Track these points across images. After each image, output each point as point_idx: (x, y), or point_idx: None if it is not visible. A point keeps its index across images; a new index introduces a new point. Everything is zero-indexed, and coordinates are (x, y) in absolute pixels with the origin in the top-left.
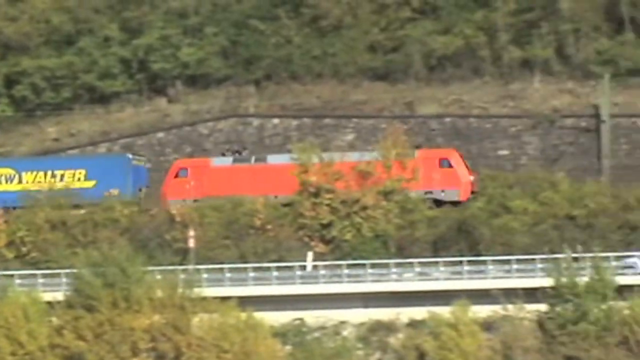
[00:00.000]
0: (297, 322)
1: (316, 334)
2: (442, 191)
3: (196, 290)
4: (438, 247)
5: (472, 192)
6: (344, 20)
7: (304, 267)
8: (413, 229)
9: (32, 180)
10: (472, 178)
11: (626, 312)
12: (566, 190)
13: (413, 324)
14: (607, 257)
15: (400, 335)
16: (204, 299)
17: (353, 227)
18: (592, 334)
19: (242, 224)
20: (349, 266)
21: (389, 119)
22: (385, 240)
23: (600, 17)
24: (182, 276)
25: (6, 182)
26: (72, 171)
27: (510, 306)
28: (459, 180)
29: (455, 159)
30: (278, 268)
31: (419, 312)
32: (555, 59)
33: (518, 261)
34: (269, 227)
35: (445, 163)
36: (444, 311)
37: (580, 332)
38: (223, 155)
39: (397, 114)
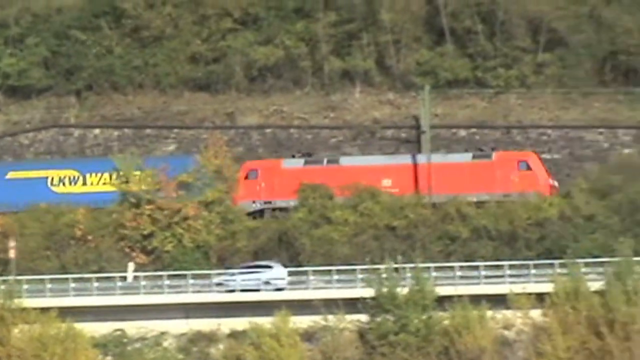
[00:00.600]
0: (118, 332)
1: (137, 345)
2: (521, 194)
3: (16, 301)
4: (259, 258)
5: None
6: (165, 31)
7: (124, 278)
8: (234, 240)
9: (97, 182)
10: (551, 181)
11: (446, 322)
12: (386, 201)
13: (234, 335)
14: (427, 268)
15: (221, 346)
16: (24, 309)
17: (174, 238)
18: (413, 344)
19: (63, 234)
20: (170, 277)
21: (210, 129)
22: (206, 251)
23: (420, 28)
24: (2, 287)
25: (70, 184)
26: (138, 172)
27: (330, 317)
28: (538, 183)
29: (534, 161)
30: (98, 279)
31: (240, 323)
32: (376, 70)
33: (339, 272)
34: (89, 237)
35: (523, 165)
36: (265, 322)
37: (401, 342)
38: (293, 157)
39: (219, 125)
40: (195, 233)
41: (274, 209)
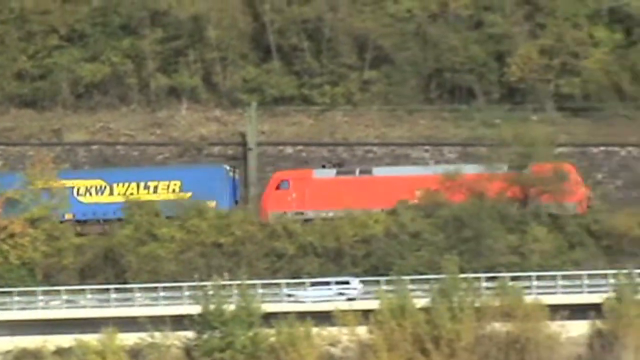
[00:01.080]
0: None
1: None
2: (560, 205)
3: None
4: (85, 275)
5: (588, 207)
6: None
7: None
8: (60, 257)
9: (124, 192)
10: (588, 192)
11: (272, 339)
12: (213, 218)
13: (60, 352)
14: (254, 285)
15: None
16: None
17: (0, 255)
18: None
19: None
20: None
21: (36, 146)
22: (32, 268)
23: (247, 45)
24: None
25: (96, 193)
26: (167, 182)
27: (157, 334)
28: (576, 194)
29: (571, 172)
30: None
31: (66, 340)
32: (203, 86)
33: (165, 289)
34: None
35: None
36: (92, 339)
37: (227, 359)
38: (323, 167)
39: (45, 142)
40: (22, 250)
41: (305, 220)
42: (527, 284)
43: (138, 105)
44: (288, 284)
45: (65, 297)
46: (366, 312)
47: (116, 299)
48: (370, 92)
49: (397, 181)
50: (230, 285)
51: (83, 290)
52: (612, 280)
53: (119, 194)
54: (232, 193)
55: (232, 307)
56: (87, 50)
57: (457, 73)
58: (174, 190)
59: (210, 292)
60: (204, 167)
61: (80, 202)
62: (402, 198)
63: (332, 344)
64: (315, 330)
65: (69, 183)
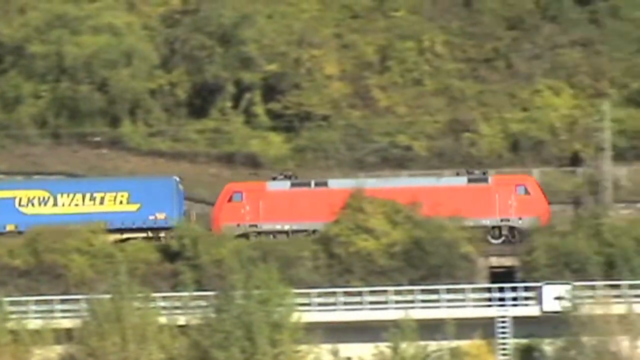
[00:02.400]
0: None
1: None
2: (520, 219)
3: None
4: None
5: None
6: None
7: None
8: None
9: (69, 204)
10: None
11: None
12: None
13: None
14: None
15: None
16: None
17: None
18: None
19: None
20: None
21: None
22: None
23: None
24: None
25: (39, 204)
26: (114, 194)
27: None
28: (537, 208)
29: (532, 185)
30: None
31: None
32: None
33: None
34: None
35: (522, 189)
36: None
37: None
38: (274, 179)
39: None
40: None
41: (259, 233)
42: None
43: None
44: None
45: None
46: None
47: None
48: None
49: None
50: None
51: None
52: None
53: (63, 205)
54: (180, 204)
55: None
56: None
57: None
58: (121, 202)
59: None
60: (153, 178)
61: (23, 213)
62: None
63: None
64: None
65: (9, 193)
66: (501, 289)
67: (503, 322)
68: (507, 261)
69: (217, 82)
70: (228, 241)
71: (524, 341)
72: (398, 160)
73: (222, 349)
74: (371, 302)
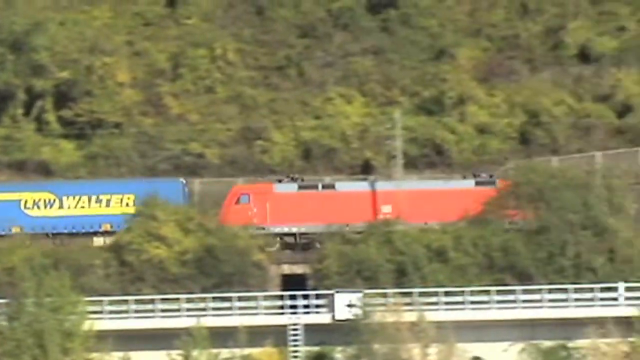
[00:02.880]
0: None
1: None
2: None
3: None
4: None
5: None
6: None
7: None
8: None
9: (75, 206)
10: None
11: None
12: None
13: None
14: None
15: None
16: None
17: None
18: None
19: None
20: None
21: None
22: None
23: None
24: None
25: (45, 207)
26: (120, 196)
27: None
28: None
29: None
30: None
31: None
32: None
33: None
34: None
35: None
36: None
37: None
38: (280, 181)
39: None
40: None
41: (267, 235)
42: None
43: None
44: None
45: None
46: None
47: None
48: None
49: (362, 196)
50: None
51: None
52: None
53: (69, 208)
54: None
55: None
56: None
57: None
58: (127, 204)
59: None
60: (160, 180)
61: (28, 215)
62: (365, 213)
63: None
64: None
65: (15, 195)
66: (293, 297)
67: (295, 329)
68: (300, 269)
69: (8, 89)
70: (19, 249)
71: (315, 349)
72: (190, 168)
73: (13, 357)
74: (163, 310)
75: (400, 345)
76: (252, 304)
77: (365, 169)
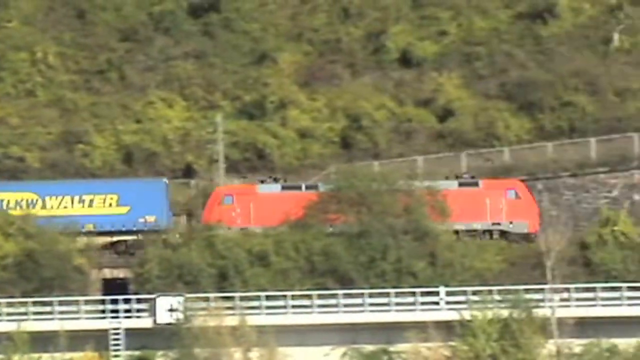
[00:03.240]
0: None
1: None
2: (510, 223)
3: None
4: None
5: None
6: None
7: None
8: None
9: (57, 206)
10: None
11: None
12: None
13: None
14: None
15: None
16: None
17: None
18: None
19: None
20: None
21: None
22: None
23: None
24: None
25: (27, 207)
26: (103, 196)
27: None
28: (528, 212)
29: (522, 189)
30: None
31: None
32: None
33: None
34: None
35: (512, 194)
36: None
37: None
38: (262, 182)
39: None
40: None
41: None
42: None
43: None
44: None
45: None
46: None
47: None
48: None
49: None
50: None
51: None
52: None
53: (52, 208)
54: (169, 207)
55: None
56: None
57: None
58: (110, 205)
59: None
60: (142, 180)
61: None
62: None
63: None
64: None
65: None
66: (114, 301)
67: (116, 334)
68: (121, 273)
69: None
70: None
71: (137, 353)
72: (11, 172)
73: None
74: None
75: (221, 350)
76: (73, 308)
77: (187, 173)
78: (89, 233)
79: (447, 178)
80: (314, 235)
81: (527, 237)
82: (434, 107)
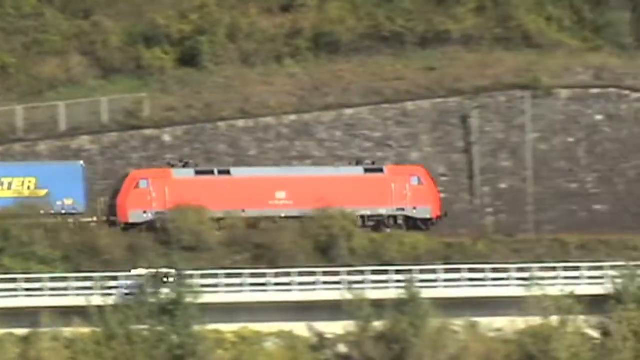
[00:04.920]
0: None
1: None
2: (414, 209)
3: None
4: None
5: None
6: None
7: None
8: None
9: None
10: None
11: None
12: None
13: None
14: None
15: None
16: None
17: None
18: None
19: None
20: None
21: None
22: None
23: None
24: None
25: None
26: (22, 179)
27: None
28: (430, 198)
29: (424, 175)
30: None
31: None
32: None
33: None
34: None
35: (415, 180)
36: None
37: None
38: (171, 165)
39: None
40: None
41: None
42: None
43: None
44: None
45: None
46: None
47: None
48: None
49: (256, 182)
50: None
51: None
52: None
53: None
54: (86, 190)
55: None
56: None
57: None
58: (29, 188)
59: None
60: (59, 163)
61: None
62: (260, 199)
63: None
64: None
65: None
66: None
67: None
68: None
69: None
70: None
71: None
72: None
73: None
74: None
75: None
76: None
77: None
78: None
79: (352, 164)
80: None
81: (429, 222)
82: None
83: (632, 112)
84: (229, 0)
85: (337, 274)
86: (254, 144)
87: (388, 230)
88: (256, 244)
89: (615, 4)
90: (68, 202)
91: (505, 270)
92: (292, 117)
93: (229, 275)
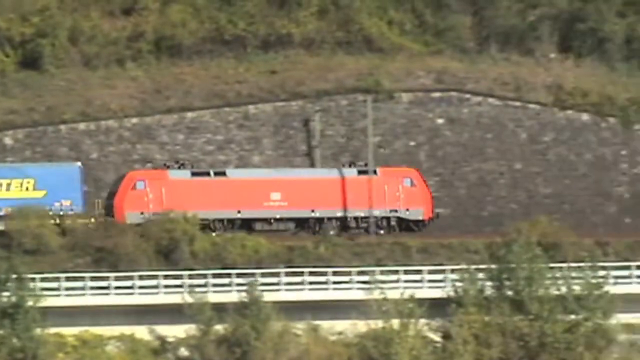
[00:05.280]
0: None
1: None
2: (407, 210)
3: None
4: None
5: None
6: None
7: None
8: None
9: None
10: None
11: None
12: None
13: None
14: None
15: None
16: None
17: None
18: None
19: None
20: None
21: None
22: None
23: None
24: None
25: None
26: (20, 180)
27: None
28: (422, 199)
29: (417, 177)
30: None
31: None
32: None
33: None
34: None
35: (408, 182)
36: None
37: None
38: (168, 167)
39: None
40: None
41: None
42: None
43: None
44: None
45: None
46: None
47: None
48: None
49: (252, 183)
50: None
51: None
52: None
53: None
54: (84, 191)
55: None
56: None
57: None
58: (27, 189)
59: None
60: (58, 164)
61: None
62: (255, 200)
63: None
64: None
65: None
66: None
67: None
68: None
69: None
70: None
71: None
72: None
73: None
74: None
75: None
76: None
77: None
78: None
79: (347, 166)
80: None
81: (421, 224)
82: None
83: (473, 116)
84: (70, 4)
85: (179, 277)
86: (95, 147)
87: (381, 232)
88: (98, 248)
89: (456, 8)
90: (66, 203)
91: (346, 274)
92: (134, 120)
93: (70, 279)
